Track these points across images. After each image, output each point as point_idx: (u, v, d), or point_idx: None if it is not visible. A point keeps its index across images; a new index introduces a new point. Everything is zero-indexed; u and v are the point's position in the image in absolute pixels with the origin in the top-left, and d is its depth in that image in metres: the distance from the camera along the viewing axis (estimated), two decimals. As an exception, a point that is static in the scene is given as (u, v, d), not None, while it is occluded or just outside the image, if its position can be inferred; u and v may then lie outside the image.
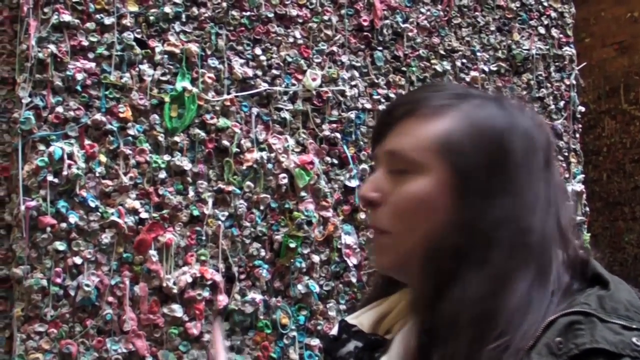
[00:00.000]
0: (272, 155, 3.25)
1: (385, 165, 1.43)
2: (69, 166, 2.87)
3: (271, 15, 3.35)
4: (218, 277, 3.08)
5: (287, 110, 3.32)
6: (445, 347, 1.23)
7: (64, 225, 2.87)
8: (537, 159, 1.33)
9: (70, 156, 2.89)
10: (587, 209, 4.06)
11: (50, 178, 2.85)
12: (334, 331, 1.58)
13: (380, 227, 1.44)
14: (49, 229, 2.84)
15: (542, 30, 4.05)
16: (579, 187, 4.02)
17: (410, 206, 1.39)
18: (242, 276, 3.16)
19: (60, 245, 2.85)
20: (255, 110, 3.26)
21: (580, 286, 1.28)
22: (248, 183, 3.19)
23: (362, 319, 1.52)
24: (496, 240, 1.27)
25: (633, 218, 7.41)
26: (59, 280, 2.84)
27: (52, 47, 2.92)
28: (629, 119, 7.42)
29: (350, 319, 1.54)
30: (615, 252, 7.44)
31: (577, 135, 4.10)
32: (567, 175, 4.00)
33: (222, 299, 3.08)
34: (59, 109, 2.91)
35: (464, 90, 1.45)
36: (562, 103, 4.06)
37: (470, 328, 1.22)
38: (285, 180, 3.25)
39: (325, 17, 3.47)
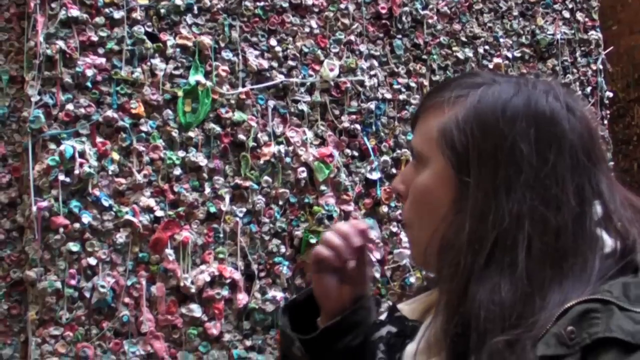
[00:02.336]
0: (290, 148, 3.20)
1: (413, 158, 1.45)
2: (81, 165, 2.83)
3: (286, 4, 3.29)
4: (237, 275, 3.04)
5: (304, 102, 3.27)
6: (475, 352, 1.20)
7: (77, 225, 2.82)
8: (561, 149, 1.26)
9: (82, 154, 2.85)
10: (617, 197, 3.99)
11: (61, 177, 2.81)
12: (383, 316, 1.57)
13: (404, 220, 1.47)
14: (61, 229, 2.79)
15: (566, 15, 3.98)
16: (609, 174, 3.95)
17: (418, 198, 1.40)
18: (262, 274, 3.11)
19: (74, 246, 2.81)
20: (271, 102, 3.21)
21: (615, 274, 1.22)
22: (266, 178, 3.14)
23: (413, 306, 1.49)
24: (521, 240, 1.22)
25: (667, 205, 7.34)
26: (73, 282, 2.80)
27: (60, 43, 2.87)
28: None
29: (402, 304, 1.52)
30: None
31: (605, 122, 4.03)
32: (595, 163, 3.93)
33: (242, 298, 3.03)
34: (69, 107, 2.86)
35: (486, 79, 1.38)
36: (589, 89, 3.99)
37: (496, 332, 1.18)
38: (305, 174, 3.21)
39: (342, 6, 3.41)
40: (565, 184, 1.24)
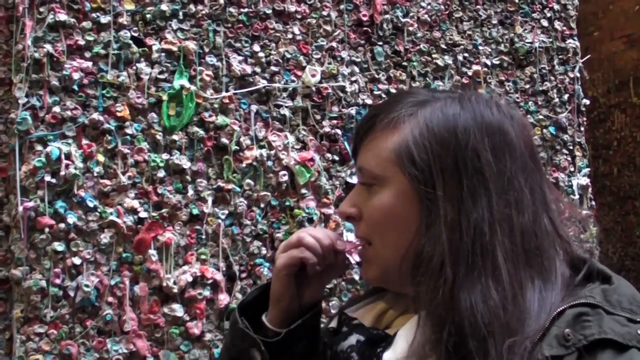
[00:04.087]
0: (272, 152, 3.24)
1: (360, 180, 1.47)
2: (67, 166, 2.86)
3: (269, 11, 3.33)
4: (219, 276, 3.07)
5: (286, 107, 3.31)
6: (480, 357, 1.24)
7: (62, 225, 2.86)
8: (513, 155, 1.33)
9: (68, 156, 2.88)
10: (593, 202, 4.04)
11: (47, 178, 2.84)
12: (333, 324, 1.61)
13: (364, 237, 1.47)
14: (47, 229, 2.83)
15: (545, 23, 4.02)
16: (585, 180, 4.00)
17: (380, 218, 1.42)
18: (243, 275, 3.15)
19: (59, 246, 2.84)
20: (254, 107, 3.25)
21: (581, 282, 1.31)
22: (248, 181, 3.17)
23: (362, 313, 1.54)
24: (497, 244, 1.28)
25: (645, 211, 7.38)
26: (58, 281, 2.83)
27: (48, 47, 2.91)
28: (639, 113, 7.39)
29: (350, 312, 1.56)
30: (626, 247, 7.40)
31: (582, 129, 4.08)
32: (572, 169, 3.98)
33: (223, 298, 3.07)
34: (56, 109, 2.90)
35: (427, 96, 1.44)
36: (566, 96, 4.03)
37: (498, 335, 1.23)
38: (286, 178, 3.25)
39: (324, 13, 3.45)
40: (522, 187, 1.32)
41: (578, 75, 4.10)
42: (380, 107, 1.51)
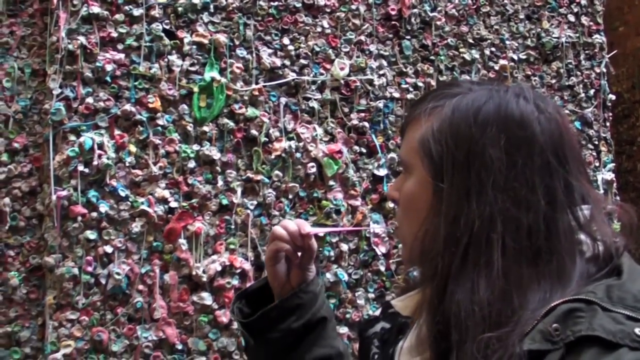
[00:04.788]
0: (301, 144, 3.26)
1: (401, 167, 1.56)
2: (99, 156, 2.91)
3: (299, 5, 3.35)
4: (247, 266, 3.10)
5: (315, 99, 3.33)
6: (457, 349, 1.26)
7: (94, 214, 2.90)
8: (530, 152, 1.32)
9: (101, 146, 2.92)
10: (618, 198, 4.03)
11: (80, 168, 2.88)
12: (378, 312, 1.68)
13: (398, 219, 1.56)
14: (79, 218, 2.87)
15: (571, 18, 4.01)
16: (610, 175, 3.99)
17: (405, 204, 1.51)
18: (271, 265, 3.15)
19: (91, 234, 2.89)
20: (283, 99, 3.28)
21: (599, 278, 1.27)
22: (276, 172, 3.20)
23: (403, 303, 1.57)
24: (494, 240, 1.28)
25: (673, 206, 7.29)
26: (90, 269, 2.88)
27: (81, 39, 2.95)
28: None
29: (395, 301, 1.60)
30: (658, 242, 7.34)
31: (608, 124, 4.07)
32: (597, 164, 3.97)
33: (251, 287, 3.08)
34: (89, 100, 2.94)
35: (463, 88, 1.45)
36: (592, 91, 4.02)
37: (481, 327, 1.24)
38: (314, 169, 3.27)
39: (353, 7, 3.47)
40: (535, 185, 1.30)
41: (604, 70, 4.09)
42: (419, 99, 1.54)
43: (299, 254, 1.81)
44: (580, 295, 1.20)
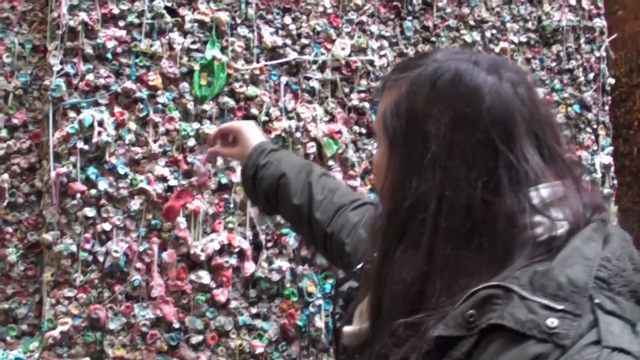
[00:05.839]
0: (301, 124, 3.26)
1: None
2: (99, 133, 2.90)
3: (301, -16, 3.33)
4: (245, 245, 3.11)
5: (316, 79, 3.33)
6: (378, 329, 1.28)
7: (93, 191, 2.90)
8: (474, 129, 1.27)
9: (101, 123, 2.91)
10: (615, 181, 4.04)
11: (80, 145, 2.88)
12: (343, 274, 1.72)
13: None
14: (78, 195, 2.87)
15: (572, 2, 4.01)
16: (608, 159, 4.00)
17: (374, 174, 1.57)
18: (269, 244, 3.18)
19: (90, 212, 2.89)
20: (284, 79, 3.27)
21: (539, 262, 1.20)
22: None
23: None
24: (427, 219, 1.25)
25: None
26: (88, 246, 2.88)
27: (83, 15, 2.93)
28: None
29: (363, 264, 1.59)
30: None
31: (606, 108, 4.07)
32: (595, 148, 3.98)
33: (249, 267, 3.10)
34: (90, 77, 2.93)
35: (426, 59, 1.40)
36: (591, 75, 4.02)
37: (403, 307, 1.23)
38: (314, 149, 3.27)
39: (356, -14, 3.45)
40: (474, 165, 1.25)
41: (604, 54, 4.09)
42: (391, 70, 1.53)
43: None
44: (502, 282, 1.15)
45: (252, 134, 2.36)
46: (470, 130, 1.26)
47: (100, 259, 2.90)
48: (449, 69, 1.32)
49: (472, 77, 1.30)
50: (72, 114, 2.90)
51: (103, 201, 2.92)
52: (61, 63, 2.91)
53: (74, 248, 2.86)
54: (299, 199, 2.17)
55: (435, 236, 1.23)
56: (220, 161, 3.10)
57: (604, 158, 3.99)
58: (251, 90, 3.19)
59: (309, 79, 3.33)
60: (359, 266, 1.58)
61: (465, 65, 1.32)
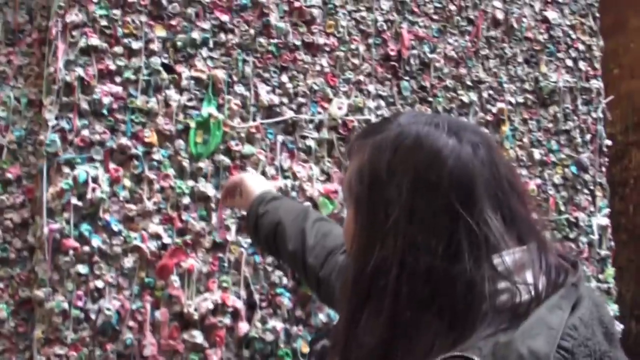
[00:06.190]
0: (297, 183, 3.24)
1: None
2: (93, 190, 2.87)
3: (298, 43, 3.34)
4: (239, 304, 3.07)
5: (312, 138, 3.32)
6: None
7: (86, 248, 2.86)
8: (434, 195, 1.27)
9: (95, 180, 2.89)
10: (612, 243, 4.02)
11: (74, 201, 2.85)
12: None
13: None
14: (71, 251, 2.83)
15: (569, 63, 4.02)
16: (605, 221, 3.98)
17: (344, 236, 1.54)
18: (264, 304, 3.14)
19: (83, 269, 2.85)
20: (280, 137, 3.25)
21: (504, 330, 1.20)
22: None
23: None
24: (389, 285, 1.25)
25: (659, 252, 7.30)
26: (80, 304, 2.84)
27: (79, 71, 2.92)
28: None
29: None
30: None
31: (603, 169, 4.07)
32: (592, 209, 3.97)
33: (243, 327, 3.06)
34: (85, 132, 2.90)
35: (390, 124, 1.42)
36: (588, 136, 4.02)
37: None
38: (309, 209, 3.22)
39: (353, 46, 3.46)
40: (434, 230, 1.25)
41: (601, 115, 4.09)
42: (358, 134, 1.55)
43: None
44: (464, 352, 1.14)
45: (254, 184, 2.62)
46: (430, 195, 1.27)
47: (92, 316, 2.85)
48: (410, 133, 1.33)
49: (433, 141, 1.31)
50: (66, 170, 2.86)
51: (96, 258, 2.88)
52: (56, 118, 2.88)
53: (65, 305, 2.81)
54: (293, 245, 2.26)
55: (397, 301, 1.23)
56: (214, 219, 3.07)
57: (601, 219, 3.98)
58: (247, 148, 3.16)
59: (305, 137, 3.31)
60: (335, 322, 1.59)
61: (427, 129, 1.33)
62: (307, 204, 3.18)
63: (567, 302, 1.24)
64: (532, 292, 1.24)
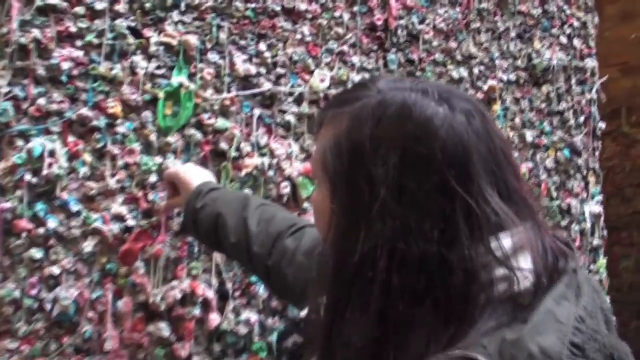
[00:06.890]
0: (274, 161, 3.08)
1: None
2: (50, 165, 2.64)
3: (278, 8, 3.16)
4: (210, 294, 2.89)
5: (291, 112, 3.16)
6: None
7: (41, 230, 2.63)
8: (428, 171, 1.16)
9: (52, 154, 2.67)
10: (605, 232, 3.93)
11: (28, 177, 2.62)
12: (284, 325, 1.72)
13: None
14: (24, 234, 2.61)
15: (563, 40, 3.91)
16: (598, 208, 3.91)
17: (314, 214, 1.46)
18: (237, 293, 2.97)
19: (37, 253, 2.62)
20: (257, 111, 3.08)
21: (508, 324, 1.13)
22: (247, 191, 2.99)
23: None
24: (377, 276, 1.15)
25: (630, 243, 7.40)
26: (33, 292, 2.62)
27: (36, 32, 2.68)
28: (630, 142, 7.43)
29: None
30: (611, 278, 7.36)
31: (596, 153, 3.98)
32: (585, 196, 3.86)
33: (214, 318, 2.88)
34: (41, 101, 2.67)
35: (369, 90, 1.30)
36: (582, 118, 3.93)
37: None
38: (288, 190, 3.08)
39: (337, 14, 3.30)
40: (428, 211, 1.15)
41: (595, 96, 3.98)
42: (329, 102, 1.52)
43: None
44: (467, 351, 1.06)
45: (191, 176, 2.54)
46: (421, 172, 1.18)
47: (47, 306, 2.64)
48: (394, 100, 1.22)
49: (422, 110, 1.21)
50: (19, 143, 2.63)
51: (52, 241, 2.66)
52: (9, 85, 2.64)
53: (17, 294, 2.60)
54: (236, 236, 2.20)
55: (386, 294, 1.16)
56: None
57: (594, 207, 3.89)
58: (221, 122, 2.98)
59: (284, 112, 3.15)
60: (302, 314, 1.48)
61: (413, 96, 1.23)
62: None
63: (571, 291, 1.19)
64: (533, 280, 1.17)
